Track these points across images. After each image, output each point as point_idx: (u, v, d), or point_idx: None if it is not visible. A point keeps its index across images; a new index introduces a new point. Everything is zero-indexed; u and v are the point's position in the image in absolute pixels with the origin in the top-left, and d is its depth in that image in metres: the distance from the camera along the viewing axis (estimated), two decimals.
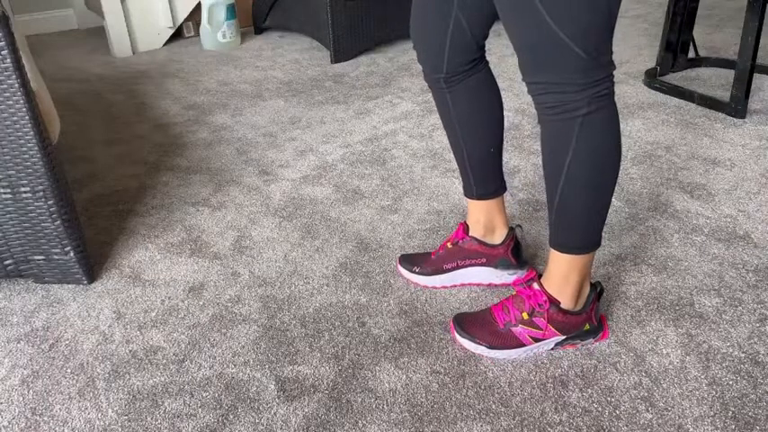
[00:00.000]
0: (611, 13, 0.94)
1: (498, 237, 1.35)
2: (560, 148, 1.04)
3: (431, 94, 2.43)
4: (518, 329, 1.18)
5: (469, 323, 1.21)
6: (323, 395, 1.13)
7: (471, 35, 1.15)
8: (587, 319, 1.18)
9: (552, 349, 1.20)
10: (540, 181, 1.79)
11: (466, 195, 1.34)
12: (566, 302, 1.17)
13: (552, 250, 1.15)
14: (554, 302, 1.16)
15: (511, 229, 1.35)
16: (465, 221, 1.37)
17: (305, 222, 1.66)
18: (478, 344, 1.19)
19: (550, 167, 1.08)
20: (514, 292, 1.22)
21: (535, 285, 1.18)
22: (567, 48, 0.94)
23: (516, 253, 1.35)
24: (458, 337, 1.21)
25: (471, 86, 1.21)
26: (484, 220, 1.34)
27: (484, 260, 1.35)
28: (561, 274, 1.15)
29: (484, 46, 1.19)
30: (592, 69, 0.97)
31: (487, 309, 1.24)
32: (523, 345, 1.18)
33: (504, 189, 1.32)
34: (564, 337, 1.18)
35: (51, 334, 1.30)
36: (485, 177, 1.29)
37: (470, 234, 1.35)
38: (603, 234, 1.53)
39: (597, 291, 1.19)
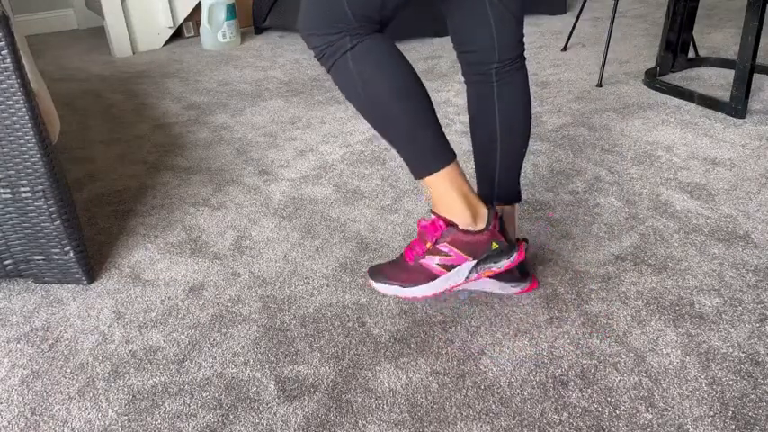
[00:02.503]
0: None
1: None
2: (349, 84, 1.07)
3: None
4: (426, 260, 1.18)
5: (381, 267, 1.22)
6: (323, 395, 1.13)
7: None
8: (491, 236, 1.18)
9: (468, 280, 1.19)
10: (539, 181, 1.79)
11: (483, 202, 1.32)
12: (462, 221, 1.16)
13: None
14: (451, 224, 1.16)
15: (518, 242, 1.33)
16: None
17: (305, 222, 1.66)
18: (392, 284, 1.19)
19: (354, 103, 1.10)
20: (419, 230, 1.22)
21: (432, 216, 1.19)
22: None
23: (521, 266, 1.34)
24: (372, 282, 1.21)
25: (519, 80, 1.22)
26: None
27: None
28: (438, 196, 1.15)
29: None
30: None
31: (400, 255, 1.24)
32: (436, 275, 1.18)
33: (521, 197, 1.31)
34: (475, 262, 1.18)
35: (51, 334, 1.30)
36: (510, 180, 1.28)
37: None
38: (603, 234, 1.53)
39: (495, 211, 1.19)
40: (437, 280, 1.18)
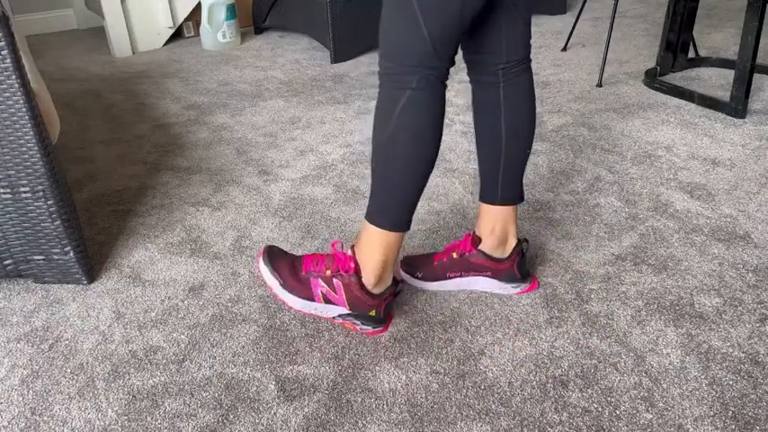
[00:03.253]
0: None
1: (508, 249, 1.33)
2: (386, 110, 1.09)
3: None
4: (315, 281, 1.21)
5: (279, 258, 1.24)
6: (323, 395, 1.13)
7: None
8: (377, 305, 1.22)
9: (333, 319, 1.25)
10: (539, 181, 1.79)
11: (486, 201, 1.31)
12: (366, 279, 1.20)
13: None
14: (357, 273, 1.20)
15: (518, 243, 1.33)
16: (474, 233, 1.35)
17: (305, 222, 1.66)
18: (275, 278, 1.22)
19: (376, 125, 1.12)
20: (332, 252, 1.24)
21: (349, 252, 1.21)
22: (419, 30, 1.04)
23: (521, 267, 1.34)
24: (261, 263, 1.23)
25: (525, 81, 1.22)
26: (499, 229, 1.31)
27: (489, 273, 1.34)
28: (366, 246, 1.19)
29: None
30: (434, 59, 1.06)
31: (301, 256, 1.26)
32: (313, 300, 1.22)
33: (524, 197, 1.32)
34: (348, 312, 1.23)
35: (51, 334, 1.30)
36: (514, 180, 1.28)
37: (480, 247, 1.33)
38: (603, 234, 1.53)
39: (396, 289, 1.24)
40: (311, 302, 1.23)
